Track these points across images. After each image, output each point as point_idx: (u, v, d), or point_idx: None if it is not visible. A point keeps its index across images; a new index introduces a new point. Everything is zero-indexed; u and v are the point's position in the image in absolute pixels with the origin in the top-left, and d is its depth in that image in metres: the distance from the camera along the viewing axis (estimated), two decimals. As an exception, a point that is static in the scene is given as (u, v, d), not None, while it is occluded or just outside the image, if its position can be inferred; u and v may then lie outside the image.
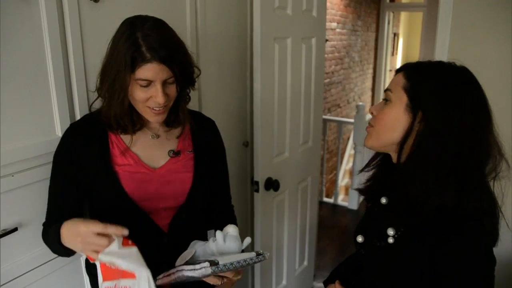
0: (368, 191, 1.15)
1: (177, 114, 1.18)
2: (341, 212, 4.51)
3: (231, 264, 0.99)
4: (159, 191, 1.17)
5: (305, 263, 2.75)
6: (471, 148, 0.90)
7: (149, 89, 1.04)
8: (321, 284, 1.27)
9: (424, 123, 0.92)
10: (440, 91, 0.91)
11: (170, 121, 1.19)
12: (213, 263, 0.97)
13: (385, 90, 1.02)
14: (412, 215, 0.93)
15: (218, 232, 1.08)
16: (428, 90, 0.92)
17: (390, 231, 1.00)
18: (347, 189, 5.63)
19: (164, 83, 1.05)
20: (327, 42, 5.09)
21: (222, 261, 0.98)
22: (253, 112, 1.98)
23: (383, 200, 1.09)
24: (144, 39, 1.01)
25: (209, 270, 0.96)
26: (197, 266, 0.98)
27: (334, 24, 5.33)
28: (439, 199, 0.90)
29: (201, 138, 1.27)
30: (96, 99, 1.17)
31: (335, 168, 5.54)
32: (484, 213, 0.92)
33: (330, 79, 5.47)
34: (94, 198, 1.18)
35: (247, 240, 1.08)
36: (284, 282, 2.50)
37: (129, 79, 1.02)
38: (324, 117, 4.52)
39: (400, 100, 0.96)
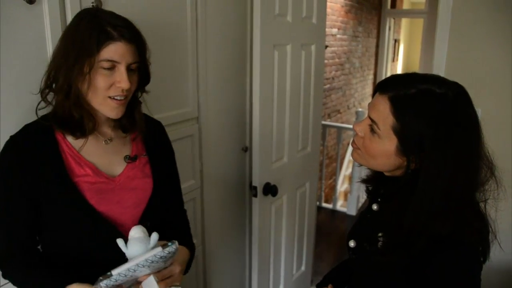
0: (367, 186, 1.16)
1: (133, 117, 1.13)
2: (339, 217, 4.52)
3: (128, 270, 0.93)
4: (123, 200, 1.10)
5: (303, 268, 2.76)
6: (465, 179, 0.90)
7: (112, 73, 0.99)
8: (318, 289, 1.28)
9: (418, 164, 0.91)
10: (432, 135, 0.87)
11: (126, 126, 1.14)
12: (106, 276, 0.92)
13: (370, 118, 0.97)
14: (406, 246, 0.92)
15: (118, 241, 0.99)
16: (420, 136, 0.88)
17: (380, 236, 1.00)
18: (346, 194, 5.64)
19: (127, 70, 1.00)
20: (328, 48, 5.11)
21: (119, 269, 0.93)
22: (252, 117, 1.99)
23: (375, 207, 1.10)
24: (108, 21, 0.98)
25: (103, 285, 0.91)
26: (96, 285, 0.93)
27: (334, 30, 5.36)
28: (433, 229, 0.89)
29: (152, 140, 1.21)
30: (42, 100, 1.05)
31: (334, 174, 5.55)
32: (477, 237, 0.93)
33: (331, 85, 5.49)
34: (53, 216, 1.05)
35: (154, 236, 1.00)
36: (281, 286, 2.50)
37: (93, 61, 0.95)
38: (324, 122, 4.54)
39: (390, 140, 0.93)
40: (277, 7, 1.94)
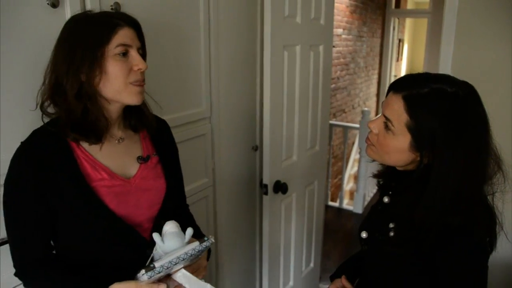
0: (379, 181, 1.20)
1: (141, 113, 1.14)
2: (346, 216, 4.55)
3: (170, 262, 0.95)
4: (140, 202, 1.10)
5: (311, 265, 2.80)
6: (475, 175, 0.95)
7: (127, 59, 1.00)
8: (327, 286, 1.31)
9: (431, 158, 0.95)
10: (444, 132, 0.92)
11: (136, 125, 1.14)
12: (149, 269, 0.93)
13: (385, 116, 1.01)
14: (416, 239, 0.97)
15: (154, 235, 1.00)
16: (433, 133, 0.93)
17: (391, 225, 1.05)
18: (352, 193, 5.67)
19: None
20: (333, 48, 5.14)
21: (161, 262, 0.94)
22: (263, 117, 2.03)
23: (386, 199, 1.14)
24: (106, 13, 1.01)
25: (145, 277, 0.92)
26: (140, 278, 0.94)
27: (340, 30, 5.39)
28: (445, 222, 0.93)
29: (159, 139, 1.21)
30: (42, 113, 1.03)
31: (340, 173, 5.58)
32: (486, 230, 0.97)
33: (336, 85, 5.53)
34: (71, 222, 1.03)
35: (189, 231, 1.02)
36: (291, 283, 2.55)
37: (107, 49, 0.96)
38: (330, 122, 4.56)
39: (404, 136, 0.97)
40: (287, 8, 1.98)
